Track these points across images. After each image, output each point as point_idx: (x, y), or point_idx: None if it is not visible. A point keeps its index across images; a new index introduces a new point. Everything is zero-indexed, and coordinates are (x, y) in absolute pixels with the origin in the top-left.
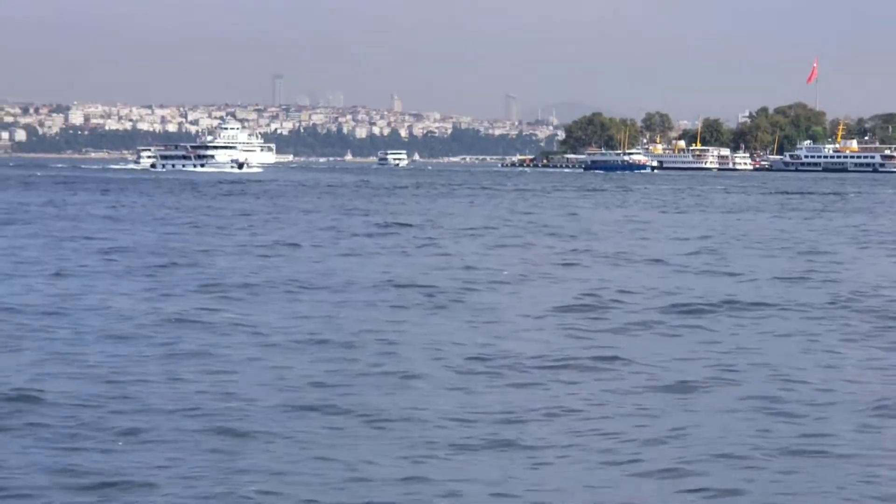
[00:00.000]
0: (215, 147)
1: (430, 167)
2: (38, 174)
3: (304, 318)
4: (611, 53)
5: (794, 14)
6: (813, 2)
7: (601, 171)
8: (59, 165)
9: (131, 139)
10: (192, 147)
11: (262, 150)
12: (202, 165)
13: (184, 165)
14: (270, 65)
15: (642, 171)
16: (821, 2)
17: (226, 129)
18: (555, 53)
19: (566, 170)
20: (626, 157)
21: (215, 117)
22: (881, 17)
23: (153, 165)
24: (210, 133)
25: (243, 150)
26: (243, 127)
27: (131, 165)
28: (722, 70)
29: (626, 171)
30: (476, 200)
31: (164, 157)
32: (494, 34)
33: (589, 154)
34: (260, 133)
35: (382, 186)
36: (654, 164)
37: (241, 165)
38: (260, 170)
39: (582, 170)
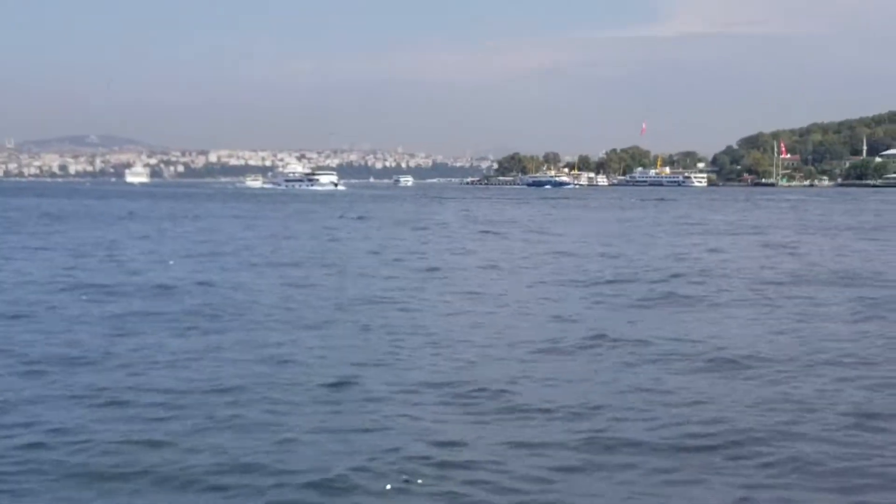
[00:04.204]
0: (320, 174)
1: (422, 186)
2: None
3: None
4: (523, 115)
5: (628, 82)
6: (642, 74)
7: (540, 187)
8: (216, 185)
9: (244, 171)
10: (305, 174)
11: None
12: (312, 185)
13: (300, 185)
14: (327, 126)
15: (567, 186)
16: (648, 74)
17: (289, 164)
18: (489, 116)
19: (510, 186)
20: (556, 178)
21: (293, 156)
22: (687, 86)
23: (278, 185)
24: (283, 167)
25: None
26: (308, 162)
27: (251, 184)
28: (590, 124)
29: (558, 186)
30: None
31: (287, 181)
32: (457, 105)
33: (530, 175)
34: (317, 166)
35: (426, 196)
36: (576, 182)
37: (335, 185)
38: (344, 188)
39: (525, 186)
